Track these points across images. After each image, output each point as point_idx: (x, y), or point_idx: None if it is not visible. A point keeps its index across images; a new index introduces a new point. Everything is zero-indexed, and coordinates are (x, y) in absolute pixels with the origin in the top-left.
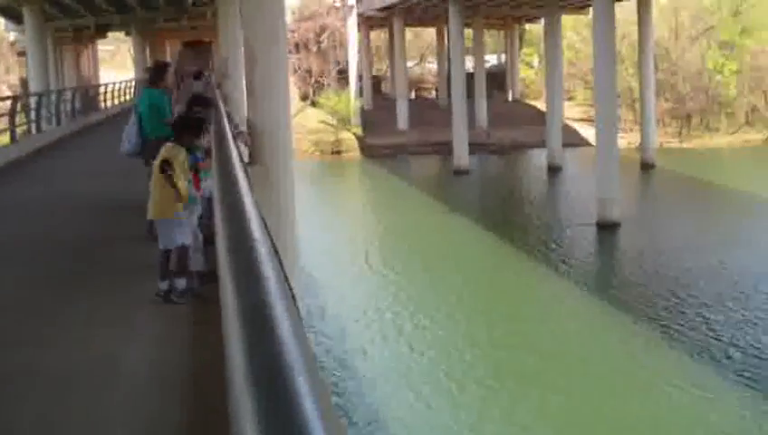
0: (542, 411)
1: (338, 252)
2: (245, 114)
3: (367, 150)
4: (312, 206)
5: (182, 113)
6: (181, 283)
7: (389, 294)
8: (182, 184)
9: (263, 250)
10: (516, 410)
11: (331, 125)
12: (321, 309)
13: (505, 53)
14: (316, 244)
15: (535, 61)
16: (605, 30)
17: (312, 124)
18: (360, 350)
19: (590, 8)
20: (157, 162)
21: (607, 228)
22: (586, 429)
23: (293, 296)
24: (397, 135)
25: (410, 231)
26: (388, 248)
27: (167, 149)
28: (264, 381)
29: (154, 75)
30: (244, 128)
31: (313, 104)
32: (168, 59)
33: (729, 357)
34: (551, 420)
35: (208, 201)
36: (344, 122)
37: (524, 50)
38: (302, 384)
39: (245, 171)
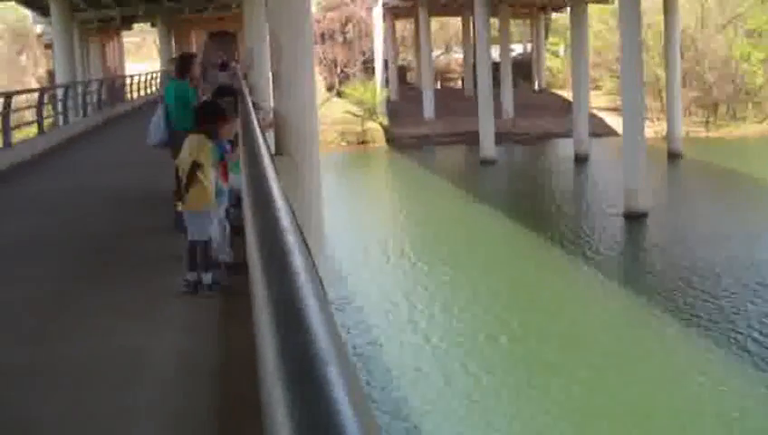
0: (563, 400)
1: (364, 242)
2: (271, 105)
3: (393, 141)
4: (339, 196)
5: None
6: (208, 276)
7: (416, 284)
8: (210, 185)
9: (292, 241)
10: (539, 400)
11: (357, 115)
12: (346, 299)
13: (531, 42)
14: (343, 234)
15: (561, 50)
16: (631, 19)
17: (337, 115)
18: (383, 338)
19: None
20: (187, 163)
21: (634, 218)
22: (601, 412)
23: (323, 286)
24: (423, 125)
25: (437, 221)
26: (415, 239)
27: (193, 147)
28: (296, 372)
29: (180, 67)
30: (270, 114)
31: (339, 94)
32: (194, 50)
33: (749, 348)
34: (570, 407)
35: (236, 192)
36: (370, 112)
37: (550, 39)
38: (333, 374)
39: (273, 162)
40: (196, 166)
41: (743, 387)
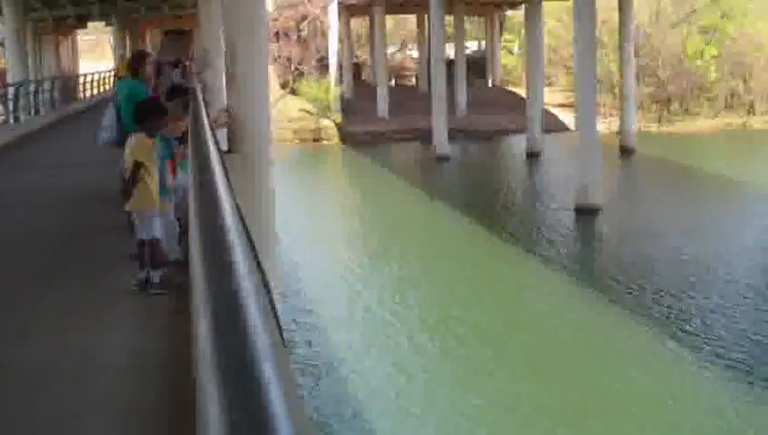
0: (509, 388)
1: (316, 239)
2: (225, 103)
3: (347, 138)
4: (292, 194)
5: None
6: (157, 274)
7: (366, 279)
8: (154, 184)
9: (234, 238)
10: (481, 392)
11: (311, 113)
12: (295, 294)
13: (486, 39)
14: (296, 232)
15: (516, 47)
16: (585, 15)
17: (292, 112)
18: (334, 333)
19: None
20: (129, 163)
21: (586, 213)
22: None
23: (266, 285)
24: (377, 122)
25: (389, 217)
26: (367, 234)
27: (133, 146)
28: (231, 369)
29: (132, 65)
30: (224, 113)
31: (293, 92)
32: (149, 48)
33: (693, 337)
34: (513, 392)
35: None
36: (324, 110)
37: (505, 36)
38: (268, 373)
39: (222, 160)
40: (137, 166)
41: (673, 368)
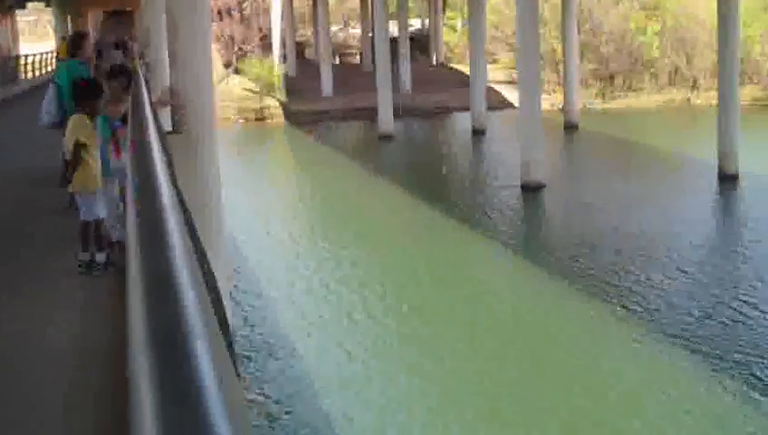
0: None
1: (259, 216)
2: (168, 83)
3: (291, 117)
4: (237, 173)
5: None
6: (101, 256)
7: (309, 259)
8: (95, 164)
9: (169, 217)
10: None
11: (255, 92)
12: (246, 274)
13: (429, 16)
14: (242, 210)
15: (459, 24)
16: None
17: (236, 91)
18: (272, 312)
19: None
20: (70, 144)
21: (531, 190)
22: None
23: (208, 265)
24: (321, 101)
25: (334, 196)
26: (312, 213)
27: (76, 128)
28: (161, 343)
29: (71, 47)
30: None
31: (237, 72)
32: (90, 29)
33: (630, 306)
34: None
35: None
36: (268, 89)
37: (448, 13)
38: (200, 349)
39: (163, 139)
40: (78, 146)
41: (609, 338)
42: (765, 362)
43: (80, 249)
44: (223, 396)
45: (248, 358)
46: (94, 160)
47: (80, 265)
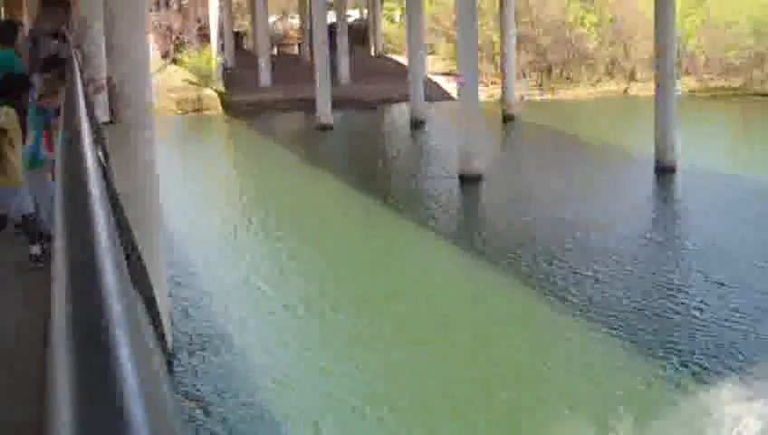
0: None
1: (198, 209)
2: (104, 73)
3: (229, 108)
4: (175, 165)
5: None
6: (35, 248)
7: (244, 250)
8: (17, 159)
9: (95, 205)
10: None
11: (193, 83)
12: (182, 264)
13: (367, 7)
14: (177, 201)
15: (397, 15)
16: None
17: (173, 82)
18: (209, 304)
19: None
20: None
21: (469, 181)
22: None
23: (138, 255)
24: (260, 92)
25: (272, 188)
26: (247, 204)
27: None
28: (80, 335)
29: (4, 35)
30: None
31: (174, 62)
32: (25, 18)
33: (559, 293)
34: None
35: None
36: (206, 80)
37: (386, 4)
38: (121, 340)
39: (97, 129)
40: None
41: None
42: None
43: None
44: (145, 391)
45: (182, 350)
46: (16, 156)
47: (33, 259)
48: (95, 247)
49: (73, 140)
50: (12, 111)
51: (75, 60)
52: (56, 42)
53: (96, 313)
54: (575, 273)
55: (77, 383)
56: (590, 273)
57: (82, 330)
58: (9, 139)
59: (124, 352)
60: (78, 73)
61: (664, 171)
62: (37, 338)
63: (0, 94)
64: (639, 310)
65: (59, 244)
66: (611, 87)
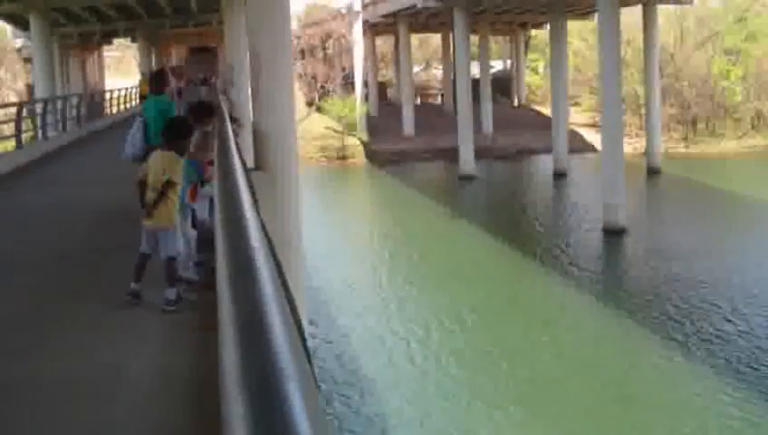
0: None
1: (342, 257)
2: (251, 120)
3: (372, 156)
4: (319, 212)
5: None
6: (172, 292)
7: (395, 302)
8: (175, 201)
9: (260, 258)
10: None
11: (337, 131)
12: (324, 312)
13: (511, 58)
14: (323, 249)
15: (541, 66)
16: (610, 35)
17: (317, 130)
18: (361, 351)
19: (596, 14)
20: (160, 181)
21: (613, 233)
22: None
23: (292, 304)
24: (402, 141)
25: (416, 238)
26: (394, 255)
27: (167, 165)
28: (255, 386)
29: (157, 82)
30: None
31: (319, 110)
32: (173, 64)
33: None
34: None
35: (211, 203)
36: (350, 128)
37: (530, 55)
38: (293, 391)
39: (248, 178)
40: (169, 184)
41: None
42: None
43: (132, 279)
44: None
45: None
46: (176, 198)
47: (167, 303)
48: (262, 300)
49: (231, 189)
50: (177, 157)
51: (224, 107)
52: (205, 88)
53: (270, 367)
54: (714, 327)
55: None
56: (727, 331)
57: (256, 384)
58: (174, 185)
59: (298, 406)
60: (228, 122)
61: None
62: (174, 379)
63: (166, 139)
64: None
65: (225, 294)
66: (756, 141)
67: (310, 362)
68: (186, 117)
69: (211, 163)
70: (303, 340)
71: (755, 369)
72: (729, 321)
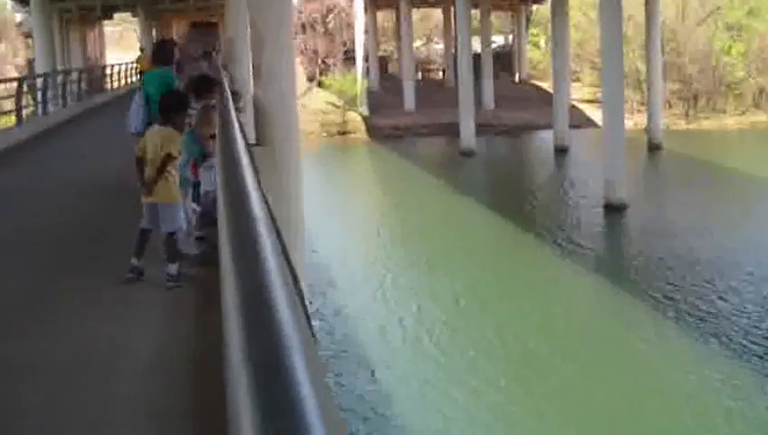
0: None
1: (343, 231)
2: (251, 95)
3: (373, 131)
4: (320, 186)
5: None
6: (173, 267)
7: (390, 274)
8: (175, 175)
9: (263, 232)
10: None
11: (338, 106)
12: (325, 286)
13: (512, 33)
14: (323, 224)
15: (542, 42)
16: (611, 11)
17: (318, 105)
18: (358, 329)
19: None
20: (158, 155)
21: (614, 209)
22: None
23: (295, 277)
24: (403, 116)
25: (417, 213)
26: (394, 230)
27: (165, 140)
28: (261, 360)
29: (161, 54)
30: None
31: (320, 85)
32: (175, 39)
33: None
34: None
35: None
36: (351, 103)
37: (531, 31)
38: (297, 363)
39: (250, 153)
40: (168, 158)
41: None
42: None
43: (133, 255)
44: (321, 409)
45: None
46: (176, 172)
47: (169, 279)
48: (266, 274)
49: (233, 166)
50: (175, 132)
51: (225, 82)
52: (206, 63)
53: (273, 341)
54: (709, 303)
55: (259, 408)
56: (725, 310)
57: (261, 356)
58: (173, 159)
59: (302, 376)
60: (230, 97)
61: None
62: (175, 353)
63: (161, 111)
64: None
65: (229, 270)
66: (758, 117)
67: (312, 334)
68: (180, 90)
69: (213, 137)
70: (306, 315)
71: None
72: (723, 300)
